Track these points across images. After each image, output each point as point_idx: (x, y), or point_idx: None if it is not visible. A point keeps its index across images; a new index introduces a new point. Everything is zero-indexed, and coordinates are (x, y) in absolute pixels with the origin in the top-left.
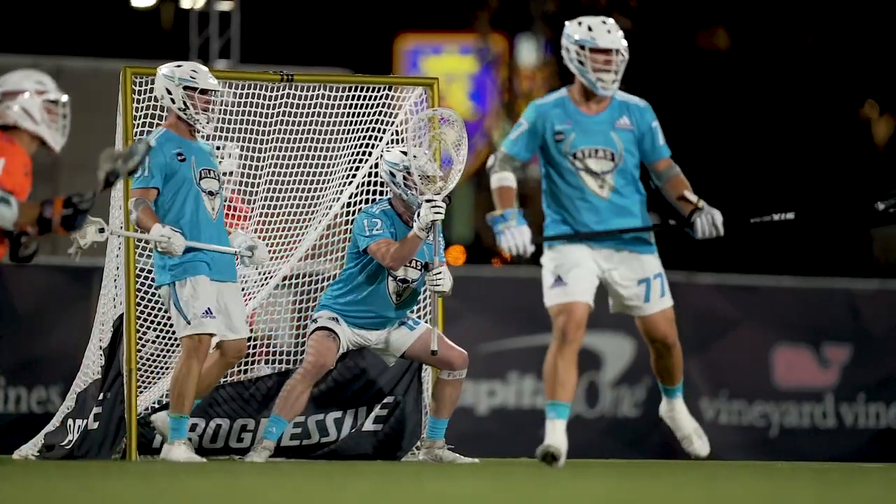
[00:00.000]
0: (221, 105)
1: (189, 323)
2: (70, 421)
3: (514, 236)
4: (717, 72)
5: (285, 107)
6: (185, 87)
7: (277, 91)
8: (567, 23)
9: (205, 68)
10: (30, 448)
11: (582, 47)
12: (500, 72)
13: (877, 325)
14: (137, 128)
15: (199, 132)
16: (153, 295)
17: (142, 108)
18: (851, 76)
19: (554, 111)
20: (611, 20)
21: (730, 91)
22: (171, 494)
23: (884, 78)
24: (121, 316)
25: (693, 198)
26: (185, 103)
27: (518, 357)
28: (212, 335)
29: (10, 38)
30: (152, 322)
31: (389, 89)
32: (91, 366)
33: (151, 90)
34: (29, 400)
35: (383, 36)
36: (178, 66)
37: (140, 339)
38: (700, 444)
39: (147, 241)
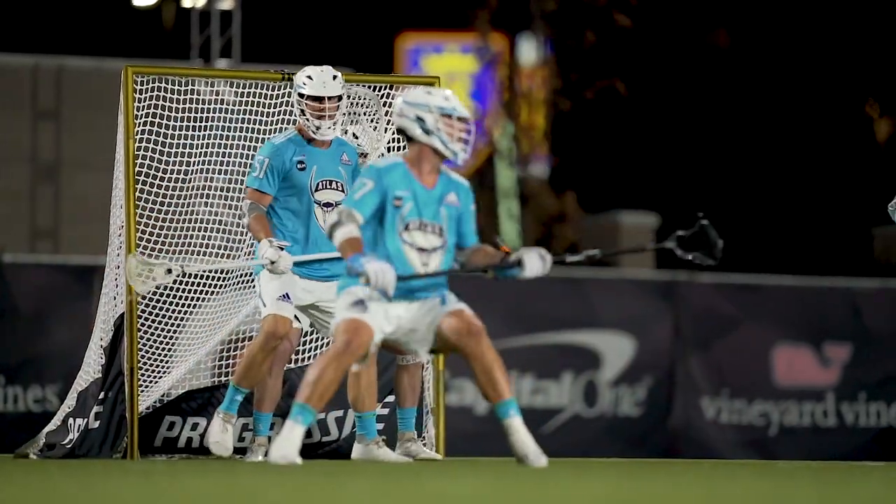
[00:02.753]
0: (340, 110)
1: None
2: (71, 420)
3: (384, 271)
4: (718, 71)
5: (287, 106)
6: (298, 94)
7: (279, 90)
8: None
9: (328, 74)
10: (31, 447)
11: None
12: (501, 71)
13: (877, 325)
14: (139, 127)
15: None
16: (154, 293)
17: (143, 107)
18: (853, 76)
19: None
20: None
21: (731, 90)
22: (172, 494)
23: (885, 78)
24: (122, 315)
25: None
26: (301, 110)
27: (516, 357)
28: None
29: (11, 38)
30: (153, 321)
31: (390, 88)
32: (92, 365)
33: (153, 89)
34: (27, 399)
35: (384, 35)
36: (304, 70)
37: (141, 338)
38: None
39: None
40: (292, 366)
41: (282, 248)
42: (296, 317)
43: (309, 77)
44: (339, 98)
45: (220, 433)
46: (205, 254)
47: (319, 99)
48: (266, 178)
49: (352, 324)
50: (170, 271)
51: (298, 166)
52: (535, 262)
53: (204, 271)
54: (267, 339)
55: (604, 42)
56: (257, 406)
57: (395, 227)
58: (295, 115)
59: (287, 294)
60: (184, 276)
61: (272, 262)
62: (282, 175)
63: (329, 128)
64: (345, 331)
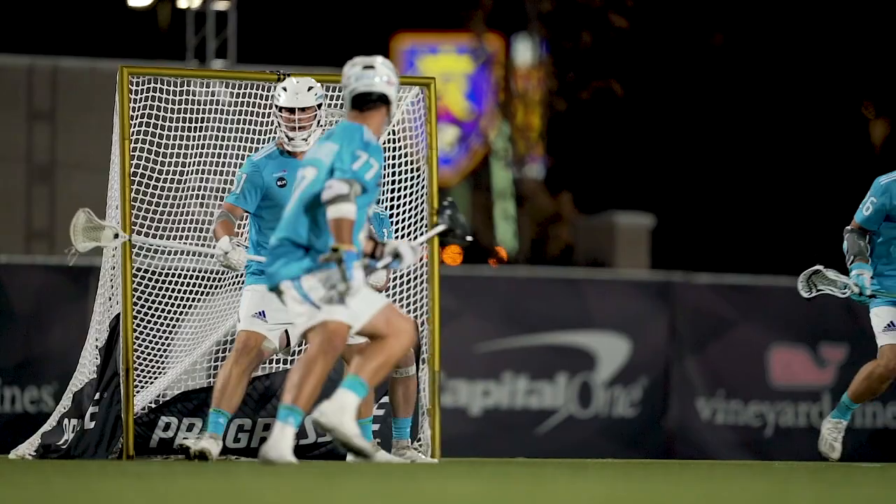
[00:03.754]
0: (318, 120)
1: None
2: (66, 420)
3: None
4: (714, 72)
5: None
6: (275, 105)
7: (274, 91)
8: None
9: (303, 85)
10: (26, 448)
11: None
12: (497, 71)
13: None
14: (134, 127)
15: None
16: (150, 294)
17: (138, 107)
18: (849, 78)
19: None
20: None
21: (727, 91)
22: (168, 495)
23: (881, 80)
24: (117, 316)
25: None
26: (277, 122)
27: (513, 357)
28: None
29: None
30: (149, 322)
31: None
32: (87, 365)
33: (148, 90)
34: (23, 400)
35: (380, 35)
36: (286, 81)
37: (136, 338)
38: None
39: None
40: (260, 373)
41: (239, 246)
42: (286, 332)
43: (284, 88)
44: (314, 109)
45: (206, 442)
46: (199, 253)
47: (291, 110)
48: (243, 194)
49: (330, 324)
50: (116, 236)
51: (279, 183)
52: (409, 254)
53: (152, 246)
54: (238, 356)
55: (600, 43)
56: (215, 403)
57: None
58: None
59: (262, 312)
60: (135, 247)
61: (225, 254)
62: (262, 192)
63: (303, 139)
64: (322, 331)
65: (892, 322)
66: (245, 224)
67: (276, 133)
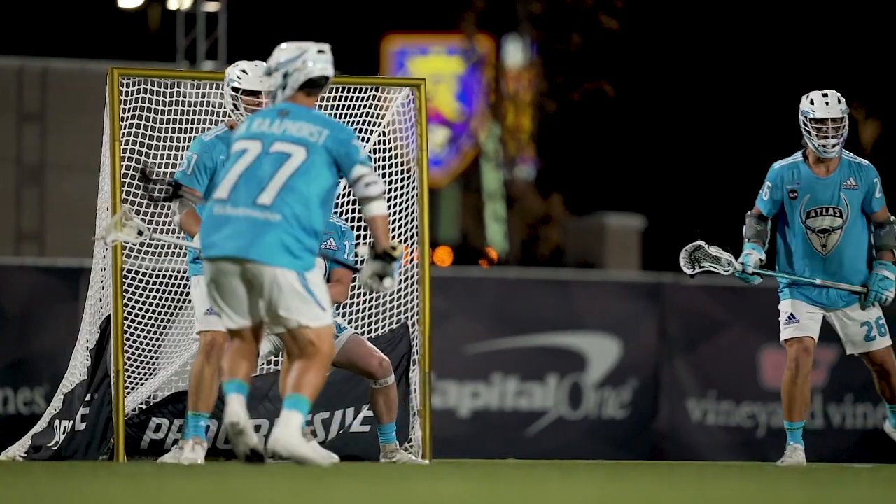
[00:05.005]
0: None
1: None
2: (57, 422)
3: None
4: (701, 71)
5: None
6: (232, 88)
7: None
8: None
9: (260, 68)
10: (17, 449)
11: None
12: (487, 73)
13: None
14: (124, 129)
15: None
16: (140, 296)
17: (129, 109)
18: (838, 79)
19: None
20: None
21: (717, 93)
22: (160, 496)
23: (870, 80)
24: (108, 317)
25: None
26: (234, 105)
27: (503, 359)
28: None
29: None
30: (139, 323)
31: (376, 90)
32: (78, 367)
33: (139, 91)
34: (16, 401)
35: (370, 37)
36: (237, 65)
37: (127, 340)
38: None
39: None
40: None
41: None
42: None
43: (244, 71)
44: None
45: (191, 453)
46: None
47: (255, 93)
48: (194, 175)
49: (330, 329)
50: (140, 233)
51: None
52: (366, 274)
53: (167, 243)
54: (207, 355)
55: (590, 44)
56: (192, 406)
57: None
58: (226, 109)
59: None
60: (148, 242)
61: None
62: (209, 173)
63: None
64: (327, 337)
65: (792, 314)
66: None
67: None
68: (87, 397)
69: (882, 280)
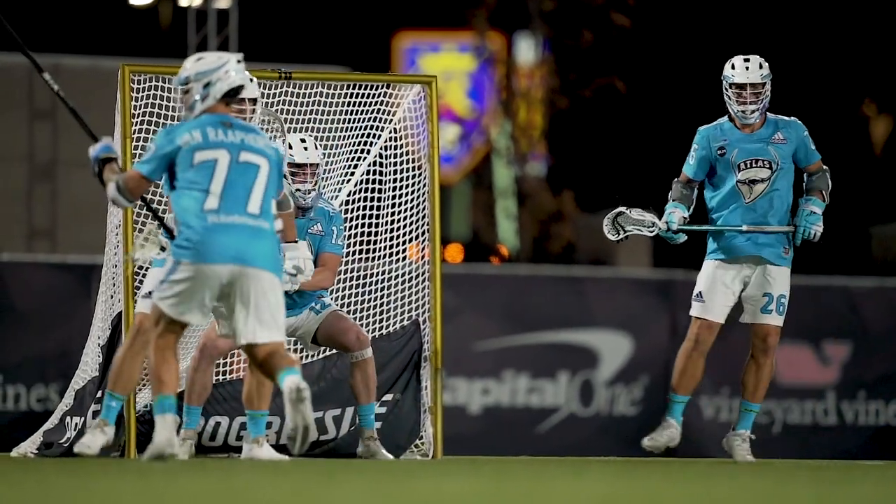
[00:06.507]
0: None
1: None
2: (68, 418)
3: None
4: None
5: (284, 104)
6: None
7: (276, 89)
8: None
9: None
10: (28, 446)
11: None
12: (499, 70)
13: (875, 323)
14: (136, 126)
15: None
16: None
17: (140, 106)
18: (850, 76)
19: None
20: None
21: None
22: (170, 492)
23: (882, 77)
24: (119, 314)
25: None
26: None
27: (514, 356)
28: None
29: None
30: None
31: (387, 87)
32: (90, 363)
33: (150, 88)
34: (28, 398)
35: (381, 34)
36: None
37: None
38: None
39: None
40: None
41: None
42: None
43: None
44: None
45: (91, 438)
46: None
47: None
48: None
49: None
50: (163, 249)
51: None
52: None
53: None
54: (133, 338)
55: (601, 41)
56: (186, 399)
57: None
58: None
59: (151, 292)
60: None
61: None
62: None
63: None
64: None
65: (700, 293)
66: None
67: (285, 122)
68: (99, 394)
69: (809, 215)
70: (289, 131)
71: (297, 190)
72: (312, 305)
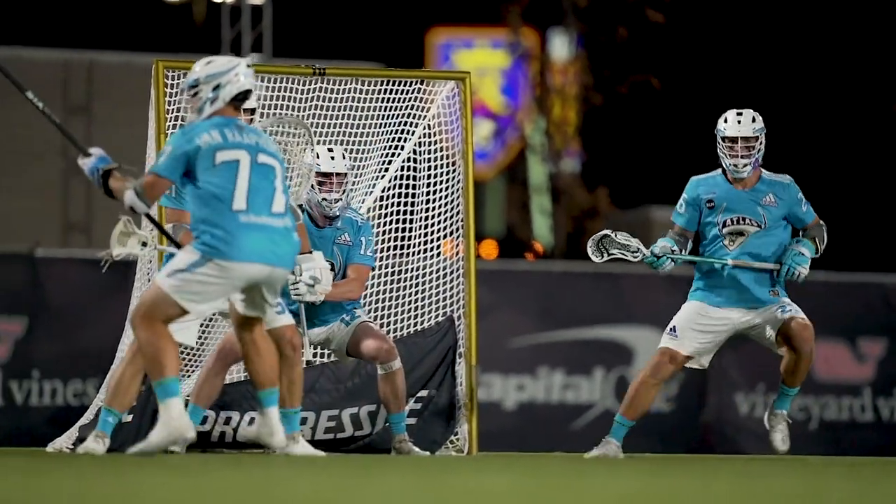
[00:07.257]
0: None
1: None
2: None
3: None
4: (747, 64)
5: (317, 101)
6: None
7: (310, 85)
8: None
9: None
10: (64, 441)
11: None
12: (532, 66)
13: None
14: (170, 121)
15: None
16: None
17: (174, 101)
18: (883, 74)
19: None
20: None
21: (762, 86)
22: (206, 487)
23: None
24: None
25: None
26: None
27: (548, 352)
28: None
29: (42, 34)
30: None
31: (421, 83)
32: (125, 358)
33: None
34: (65, 393)
35: (415, 30)
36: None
37: None
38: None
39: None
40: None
41: None
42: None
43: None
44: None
45: (93, 443)
46: None
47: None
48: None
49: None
50: (144, 245)
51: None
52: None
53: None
54: (136, 353)
55: (635, 37)
56: (193, 398)
57: None
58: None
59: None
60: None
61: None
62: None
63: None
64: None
65: (674, 327)
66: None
67: (319, 118)
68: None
69: (797, 255)
70: (324, 126)
71: (324, 199)
72: (343, 317)
